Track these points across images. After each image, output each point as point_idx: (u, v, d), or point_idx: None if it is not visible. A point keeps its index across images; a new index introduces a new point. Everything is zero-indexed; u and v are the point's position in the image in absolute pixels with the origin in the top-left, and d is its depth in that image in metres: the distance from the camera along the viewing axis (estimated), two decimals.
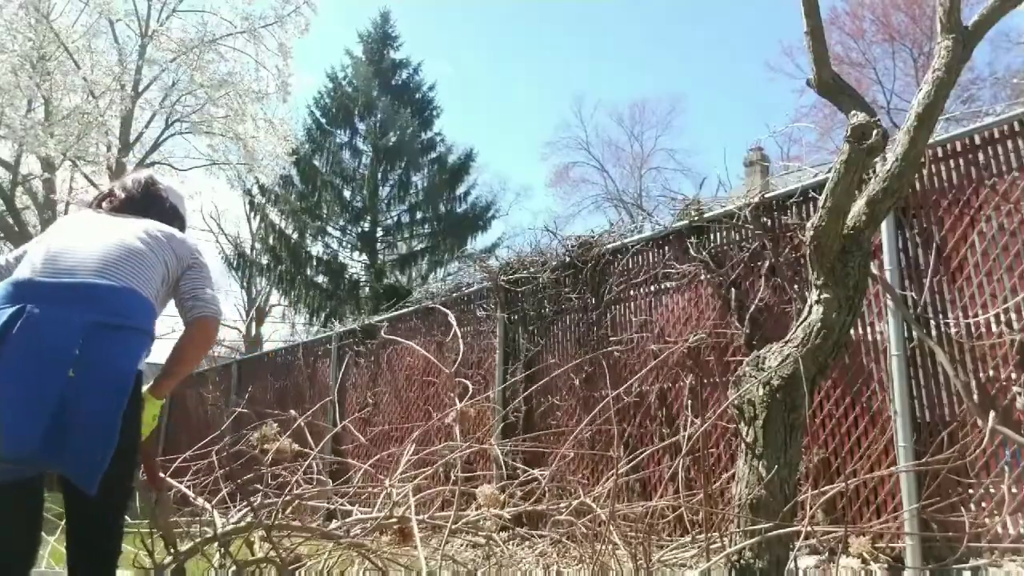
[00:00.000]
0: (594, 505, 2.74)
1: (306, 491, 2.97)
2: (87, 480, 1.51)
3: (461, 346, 5.31)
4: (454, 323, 4.61)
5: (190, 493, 2.85)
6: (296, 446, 2.73)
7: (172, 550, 2.39)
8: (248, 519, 2.64)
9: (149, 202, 2.04)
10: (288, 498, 2.79)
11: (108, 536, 1.66)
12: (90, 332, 1.55)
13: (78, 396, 1.50)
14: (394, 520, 2.70)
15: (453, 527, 2.63)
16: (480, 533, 3.00)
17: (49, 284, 1.63)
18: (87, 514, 1.64)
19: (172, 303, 1.95)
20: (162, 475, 2.26)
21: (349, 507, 3.13)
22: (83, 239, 1.78)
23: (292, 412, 3.20)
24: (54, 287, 1.63)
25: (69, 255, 1.72)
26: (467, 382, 3.99)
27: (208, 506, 2.80)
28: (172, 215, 2.10)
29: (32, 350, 1.51)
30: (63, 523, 1.65)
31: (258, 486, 2.87)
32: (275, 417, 3.21)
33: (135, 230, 1.86)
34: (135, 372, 1.61)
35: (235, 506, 2.90)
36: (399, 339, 5.69)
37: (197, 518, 2.82)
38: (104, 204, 2.01)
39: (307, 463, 2.95)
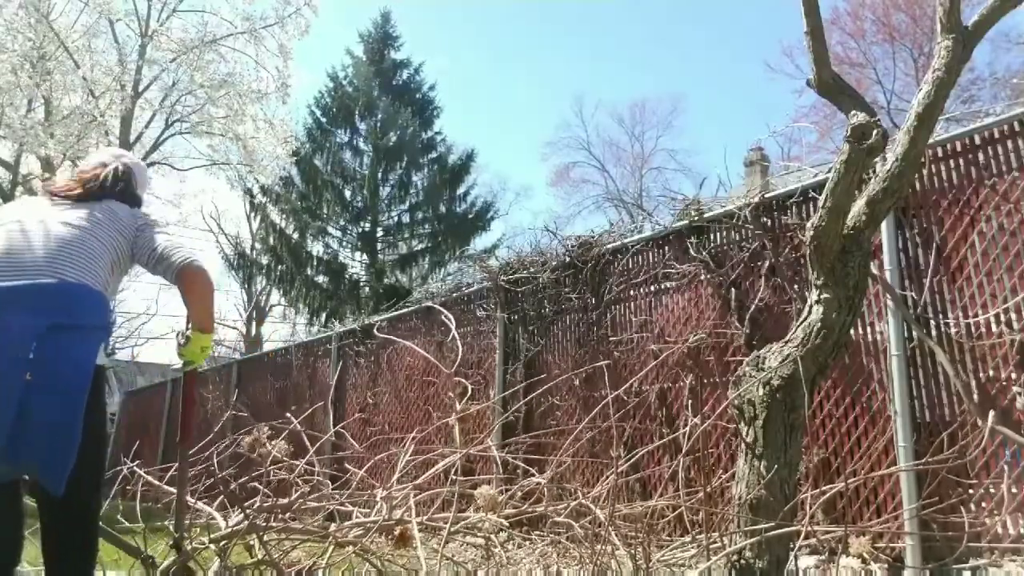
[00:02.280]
0: (593, 507, 2.74)
1: (304, 493, 2.96)
2: (53, 481, 1.52)
3: (459, 346, 5.31)
4: (452, 324, 4.61)
5: (188, 497, 2.84)
6: (291, 448, 2.72)
7: (176, 547, 2.36)
8: (244, 523, 2.63)
9: (104, 187, 2.06)
10: (285, 501, 2.79)
11: (82, 530, 1.66)
12: (44, 334, 1.54)
13: (36, 399, 1.50)
14: (392, 522, 2.69)
15: (452, 529, 2.63)
16: (479, 534, 2.99)
17: (5, 288, 1.62)
18: (58, 513, 1.65)
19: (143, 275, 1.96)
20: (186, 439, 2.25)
21: (349, 508, 3.13)
22: (28, 236, 1.76)
23: (288, 415, 3.19)
24: (4, 292, 1.61)
25: (16, 255, 1.70)
26: (466, 382, 3.99)
27: (209, 509, 2.79)
28: (126, 192, 2.12)
29: None
30: (36, 522, 1.66)
31: (257, 485, 2.86)
32: (275, 418, 3.21)
33: (78, 218, 1.84)
34: (91, 370, 1.59)
35: (235, 509, 2.90)
36: (396, 339, 5.69)
37: (196, 521, 2.81)
38: (57, 194, 2.00)
39: (302, 465, 2.94)
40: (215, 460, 3.03)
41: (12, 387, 1.49)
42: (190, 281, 1.93)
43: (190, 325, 2.10)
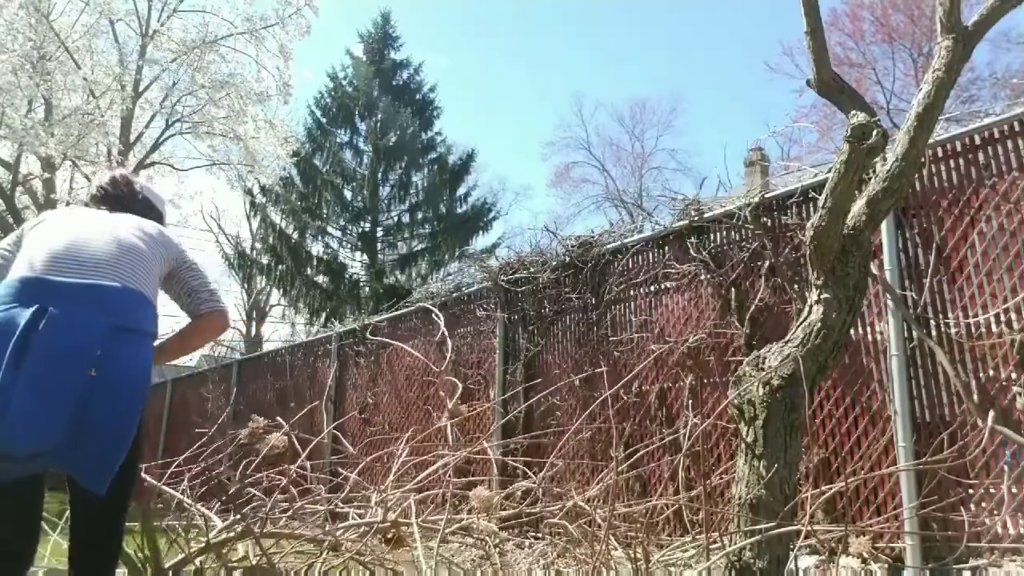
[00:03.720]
0: (590, 509, 2.73)
1: (294, 497, 2.94)
2: (98, 481, 1.52)
3: (450, 344, 5.31)
4: (441, 322, 4.60)
5: (186, 499, 2.83)
6: (288, 442, 2.71)
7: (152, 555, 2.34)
8: (240, 527, 2.63)
9: (131, 199, 2.07)
10: (282, 505, 2.78)
11: (111, 534, 1.68)
12: (110, 334, 1.57)
13: (97, 397, 1.51)
14: (388, 524, 2.68)
15: (448, 531, 2.62)
16: (475, 535, 2.98)
17: (66, 284, 1.63)
18: (93, 513, 1.66)
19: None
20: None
21: (346, 510, 3.13)
22: (87, 237, 1.77)
23: (279, 419, 3.17)
24: (71, 288, 1.62)
25: (77, 254, 1.71)
26: (456, 381, 3.98)
27: (207, 512, 2.78)
28: (149, 211, 2.13)
29: (56, 350, 1.52)
30: (62, 520, 1.67)
31: (253, 489, 2.85)
32: (275, 418, 3.19)
33: (131, 227, 1.87)
34: (151, 374, 1.65)
35: (233, 511, 2.89)
36: (391, 341, 5.69)
37: (195, 524, 2.81)
38: (95, 201, 2.04)
39: (294, 469, 2.93)
40: (211, 460, 3.04)
41: (77, 381, 1.50)
42: (211, 321, 1.96)
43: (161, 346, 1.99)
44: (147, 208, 2.11)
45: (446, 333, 4.82)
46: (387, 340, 5.65)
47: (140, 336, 1.66)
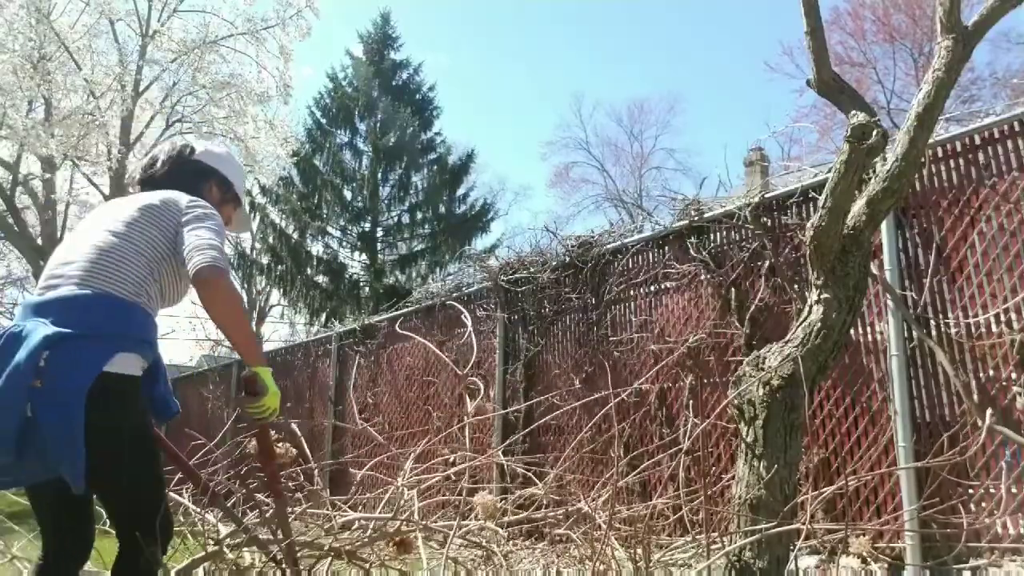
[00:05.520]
0: (592, 512, 2.72)
1: (301, 498, 2.94)
2: (72, 479, 1.56)
3: (474, 343, 5.29)
4: (468, 319, 4.58)
5: (187, 502, 2.82)
6: (293, 451, 2.70)
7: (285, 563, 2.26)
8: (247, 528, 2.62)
9: (164, 177, 2.01)
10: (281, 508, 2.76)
11: (127, 528, 1.69)
12: (54, 343, 1.57)
13: (39, 407, 1.53)
14: (394, 529, 2.67)
15: (455, 535, 2.61)
16: (481, 541, 2.97)
17: (32, 304, 1.69)
18: (114, 510, 1.72)
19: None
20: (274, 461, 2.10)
21: (351, 516, 3.11)
22: (68, 245, 1.80)
23: (281, 419, 3.14)
24: (36, 305, 1.68)
25: (51, 269, 1.77)
26: (479, 382, 3.97)
27: (211, 518, 2.78)
28: (199, 176, 2.05)
29: (3, 367, 1.55)
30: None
31: (257, 494, 2.84)
32: (280, 422, 3.18)
33: (123, 216, 1.82)
34: (90, 378, 1.58)
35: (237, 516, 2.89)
36: (411, 335, 5.66)
37: (196, 530, 2.80)
38: (137, 185, 2.03)
39: (291, 471, 2.91)
40: (214, 467, 3.03)
41: (18, 395, 1.52)
42: (200, 290, 1.74)
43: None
44: (193, 175, 2.03)
45: (471, 328, 4.78)
46: (408, 333, 5.60)
47: (95, 340, 1.63)
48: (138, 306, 1.74)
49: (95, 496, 1.75)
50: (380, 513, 2.80)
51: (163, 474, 1.79)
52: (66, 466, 1.54)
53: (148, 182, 2.03)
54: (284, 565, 2.22)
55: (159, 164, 2.05)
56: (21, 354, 1.55)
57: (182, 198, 1.89)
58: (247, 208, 2.29)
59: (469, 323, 4.76)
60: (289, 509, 2.44)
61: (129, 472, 1.68)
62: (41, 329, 1.59)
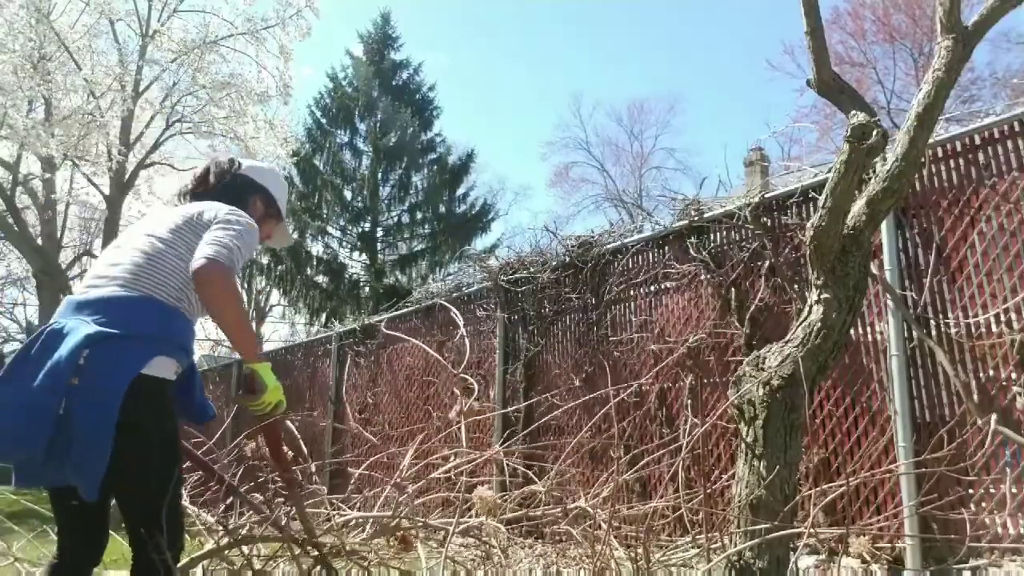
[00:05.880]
0: (592, 511, 2.72)
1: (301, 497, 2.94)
2: (86, 486, 1.55)
3: (467, 343, 5.29)
4: (460, 321, 4.59)
5: (185, 501, 2.82)
6: (291, 453, 2.70)
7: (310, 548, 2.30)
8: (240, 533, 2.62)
9: (209, 191, 2.05)
10: (286, 509, 2.77)
11: (148, 530, 1.68)
12: (95, 342, 1.58)
13: (75, 405, 1.54)
14: (393, 527, 2.67)
15: (454, 532, 2.60)
16: (479, 535, 2.98)
17: (76, 301, 1.72)
18: (128, 525, 1.72)
19: None
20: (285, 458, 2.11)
21: (350, 515, 3.11)
22: (116, 249, 1.83)
23: (287, 421, 3.15)
24: (79, 303, 1.70)
25: (98, 268, 1.80)
26: (471, 379, 3.98)
27: (208, 518, 2.78)
28: (245, 189, 2.08)
29: (44, 362, 1.56)
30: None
31: (256, 495, 2.85)
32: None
33: (167, 223, 1.86)
34: (129, 379, 1.59)
35: (237, 514, 2.89)
36: (404, 336, 5.67)
37: (192, 530, 2.80)
38: (183, 197, 2.07)
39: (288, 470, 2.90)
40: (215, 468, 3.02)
41: (56, 391, 1.53)
42: (198, 288, 1.74)
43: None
44: (240, 189, 2.07)
45: (464, 331, 4.80)
46: (402, 336, 5.61)
47: (130, 340, 1.64)
48: (179, 311, 1.77)
49: (116, 498, 1.75)
50: (379, 512, 2.80)
51: (181, 481, 1.81)
52: (87, 468, 1.53)
53: (197, 195, 2.07)
54: (312, 556, 2.21)
55: (211, 177, 2.08)
56: (63, 351, 1.56)
57: (222, 208, 1.92)
58: (288, 223, 2.32)
59: (461, 322, 4.75)
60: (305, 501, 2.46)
61: (157, 475, 1.68)
62: (83, 327, 1.60)
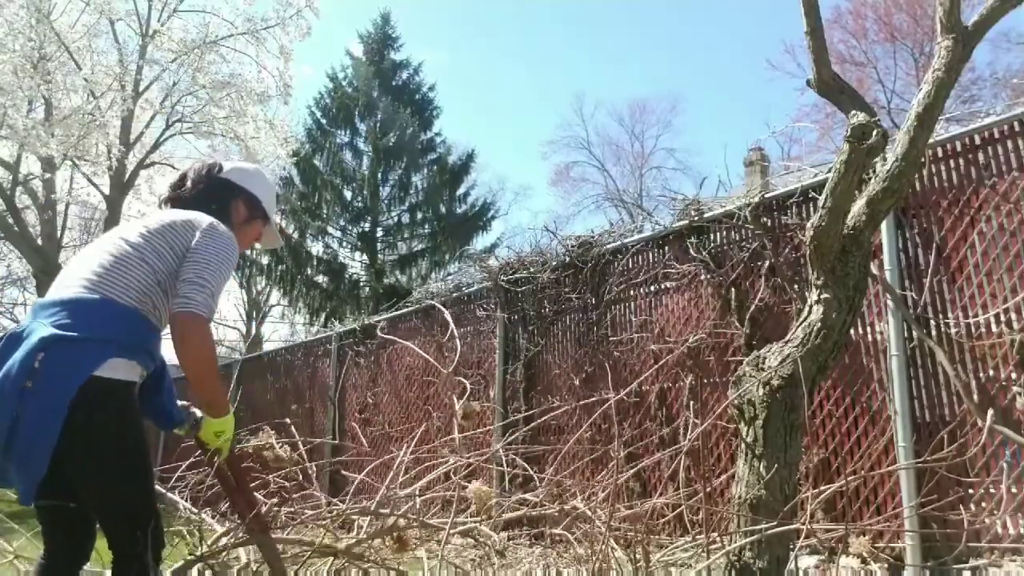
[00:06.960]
0: (591, 513, 2.72)
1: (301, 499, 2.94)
2: (23, 489, 1.55)
3: (458, 344, 5.30)
4: (451, 321, 4.60)
5: (185, 503, 2.83)
6: (292, 453, 2.69)
7: None
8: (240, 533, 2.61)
9: (186, 198, 2.02)
10: (285, 509, 2.77)
11: (115, 541, 1.66)
12: (50, 345, 1.57)
13: (26, 407, 1.53)
14: (390, 527, 2.67)
15: (451, 532, 2.60)
16: (476, 535, 2.97)
17: (38, 304, 1.72)
18: (100, 521, 1.70)
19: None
20: (257, 510, 2.06)
21: (349, 515, 3.11)
22: (85, 253, 1.82)
23: (287, 420, 3.16)
24: (42, 305, 1.69)
25: (64, 273, 1.79)
26: (465, 381, 3.98)
27: (207, 518, 2.77)
28: (226, 193, 2.04)
29: (1, 366, 1.57)
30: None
31: (258, 495, 2.85)
32: (275, 418, 3.19)
33: (141, 227, 1.84)
34: (80, 381, 1.57)
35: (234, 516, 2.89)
36: (398, 340, 5.68)
37: (190, 530, 2.80)
38: (163, 203, 2.05)
39: (287, 471, 2.91)
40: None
41: (10, 396, 1.52)
42: (174, 336, 1.71)
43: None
44: (220, 193, 2.03)
45: (455, 332, 4.80)
46: (396, 339, 5.62)
47: (86, 343, 1.61)
48: (140, 314, 1.73)
49: (85, 503, 1.72)
50: (376, 514, 2.80)
51: (153, 485, 1.76)
52: (24, 471, 1.52)
53: (176, 200, 2.02)
54: None
55: (188, 183, 2.04)
56: (18, 354, 1.56)
57: (203, 221, 1.87)
58: (276, 224, 2.28)
59: (452, 324, 4.75)
60: (275, 535, 2.39)
61: (119, 478, 1.65)
62: (41, 330, 1.59)
